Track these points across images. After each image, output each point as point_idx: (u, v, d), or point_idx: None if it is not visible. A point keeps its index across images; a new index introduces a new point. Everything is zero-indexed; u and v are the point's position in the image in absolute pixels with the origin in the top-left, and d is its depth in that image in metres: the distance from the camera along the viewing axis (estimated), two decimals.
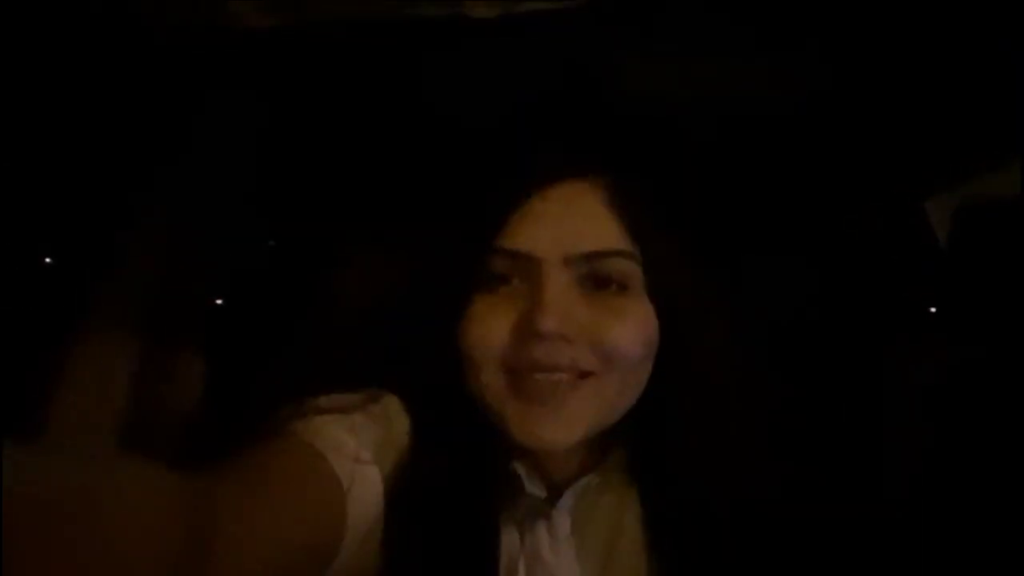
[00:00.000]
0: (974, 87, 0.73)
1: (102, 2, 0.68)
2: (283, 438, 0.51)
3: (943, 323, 0.87)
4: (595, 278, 0.56)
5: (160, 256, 0.82)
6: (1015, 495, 0.71)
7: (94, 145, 0.84)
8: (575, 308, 0.55)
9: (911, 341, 0.88)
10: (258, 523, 0.43)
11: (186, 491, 0.38)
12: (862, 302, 0.90)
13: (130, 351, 0.77)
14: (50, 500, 0.31)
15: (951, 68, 0.71)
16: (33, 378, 0.75)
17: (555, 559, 0.59)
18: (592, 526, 0.60)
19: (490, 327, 0.55)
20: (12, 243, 0.85)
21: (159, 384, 0.78)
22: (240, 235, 0.89)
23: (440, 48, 0.69)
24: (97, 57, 0.72)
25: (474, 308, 0.56)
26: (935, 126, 0.78)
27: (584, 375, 0.55)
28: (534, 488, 0.58)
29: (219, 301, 0.93)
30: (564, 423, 0.54)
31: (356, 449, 0.52)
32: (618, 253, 0.56)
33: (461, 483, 0.56)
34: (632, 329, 0.56)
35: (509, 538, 0.59)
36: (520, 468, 0.58)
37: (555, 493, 0.59)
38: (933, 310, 0.90)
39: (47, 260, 0.94)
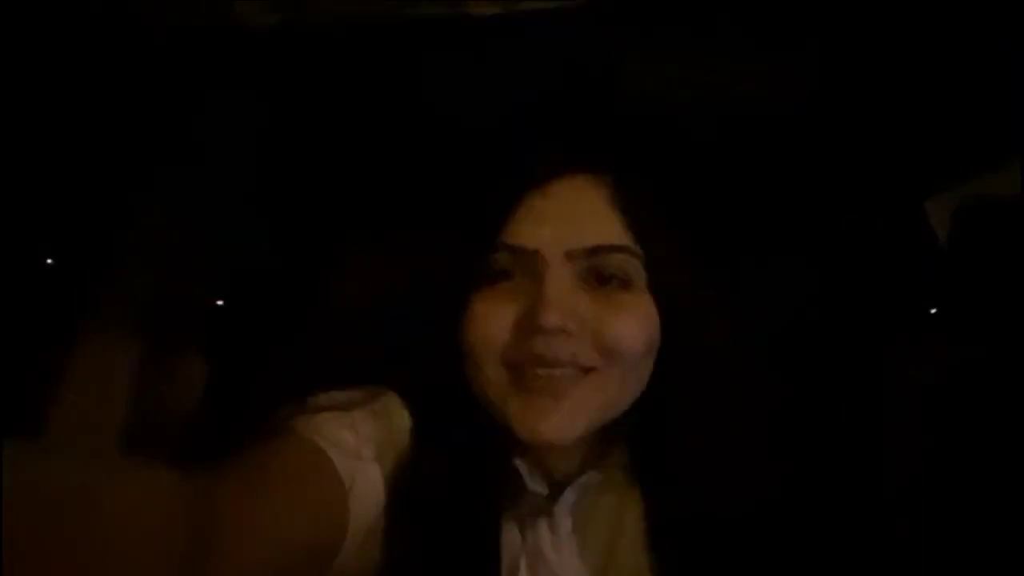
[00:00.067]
0: (974, 87, 0.73)
1: (102, 2, 0.68)
2: (284, 436, 0.51)
3: (943, 323, 0.87)
4: (597, 273, 0.56)
5: (160, 256, 0.82)
6: (1015, 495, 0.71)
7: (94, 145, 0.84)
8: (577, 303, 0.55)
9: (911, 341, 0.88)
10: (260, 522, 0.43)
11: (187, 490, 0.38)
12: (862, 302, 0.90)
13: (131, 351, 0.77)
14: (50, 500, 0.31)
15: (951, 68, 0.71)
16: (34, 378, 0.75)
17: (557, 556, 0.59)
18: (593, 523, 0.60)
19: (492, 322, 0.55)
20: (13, 244, 0.85)
21: (159, 384, 0.78)
22: (241, 235, 0.89)
23: (441, 46, 0.69)
24: (98, 57, 0.72)
25: (476, 304, 0.56)
26: (935, 126, 0.78)
27: (585, 370, 0.55)
28: (536, 485, 0.58)
29: (220, 302, 0.93)
30: (565, 418, 0.54)
31: (357, 447, 0.52)
32: (620, 248, 0.57)
33: (462, 480, 0.56)
34: (634, 324, 0.56)
35: (511, 535, 0.59)
36: (521, 465, 0.58)
37: (556, 490, 0.59)
38: (933, 310, 0.89)
39: (48, 261, 0.94)
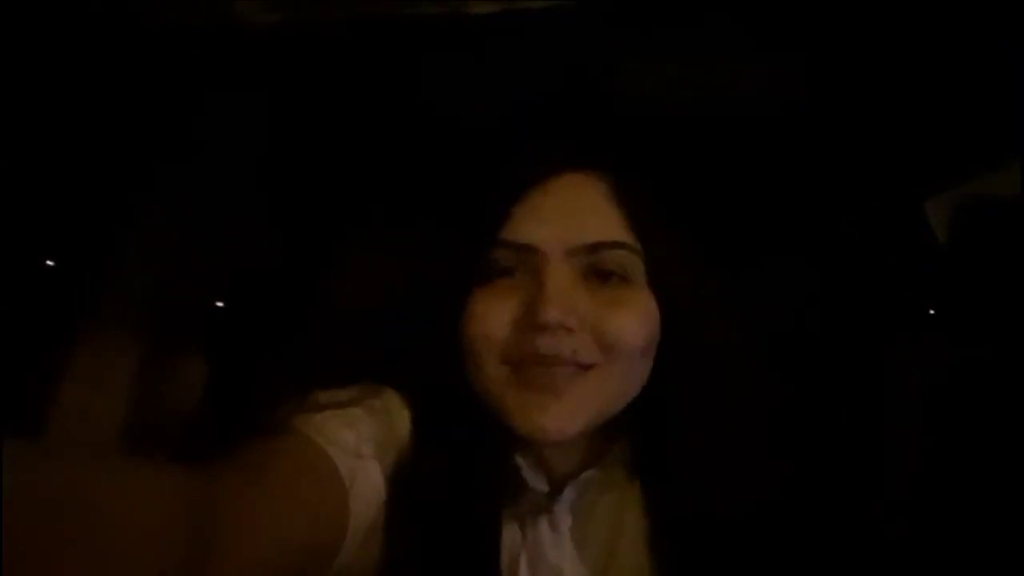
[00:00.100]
0: (973, 87, 0.73)
1: (102, 2, 0.68)
2: (284, 434, 0.51)
3: (943, 323, 0.87)
4: (597, 270, 0.56)
5: (160, 256, 0.82)
6: (1015, 495, 0.71)
7: (94, 145, 0.84)
8: (577, 299, 0.55)
9: (911, 341, 0.88)
10: (260, 521, 0.43)
11: (187, 489, 0.38)
12: (862, 302, 0.90)
13: (131, 351, 0.77)
14: (50, 499, 0.31)
15: (949, 68, 0.71)
16: (34, 378, 0.75)
17: (557, 554, 0.59)
18: (594, 521, 0.60)
19: (492, 319, 0.55)
20: (13, 243, 0.85)
21: (159, 384, 0.78)
22: (240, 234, 0.89)
23: (441, 45, 0.69)
24: (98, 57, 0.72)
25: (476, 301, 0.56)
26: (934, 126, 0.78)
27: (585, 367, 0.55)
28: (536, 482, 0.59)
29: (219, 304, 0.93)
30: (566, 413, 0.54)
31: (357, 445, 0.52)
32: (619, 245, 0.57)
33: (463, 478, 0.56)
34: (634, 320, 0.56)
35: (511, 533, 0.59)
36: (522, 462, 0.59)
37: (557, 488, 0.59)
38: (933, 310, 0.89)
39: (48, 261, 0.94)
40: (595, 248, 0.56)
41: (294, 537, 0.45)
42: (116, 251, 0.81)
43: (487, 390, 0.56)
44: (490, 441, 0.58)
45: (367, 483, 0.52)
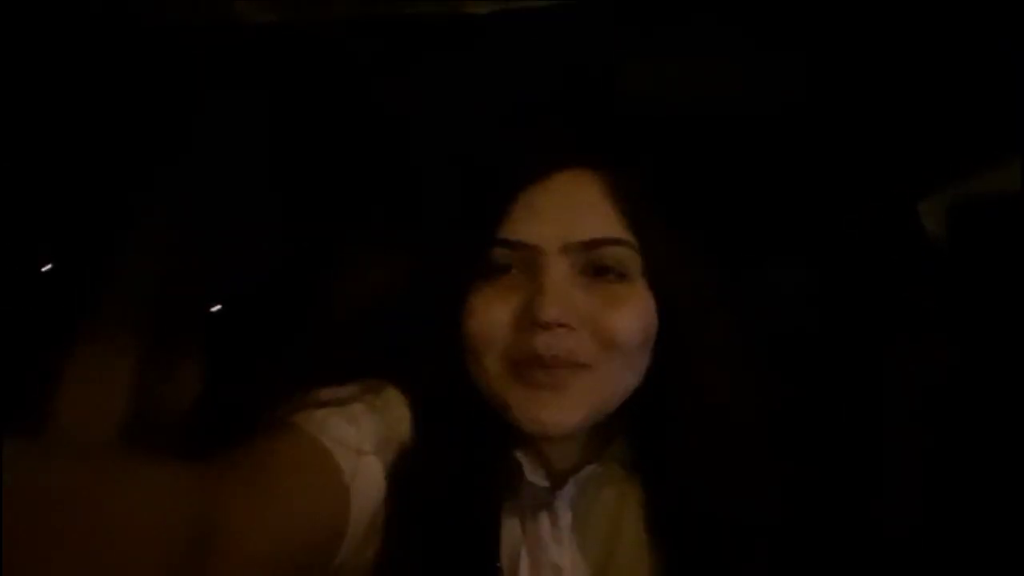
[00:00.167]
0: (973, 85, 0.73)
1: (102, 2, 0.68)
2: (285, 432, 0.51)
3: (943, 323, 0.87)
4: (594, 266, 0.57)
5: (160, 256, 0.82)
6: (1015, 495, 0.71)
7: (95, 145, 0.84)
8: (575, 296, 0.55)
9: (911, 341, 0.88)
10: (262, 518, 0.43)
11: (188, 487, 0.38)
12: (862, 301, 0.90)
13: (131, 351, 0.77)
14: (51, 498, 0.31)
15: (949, 66, 0.71)
16: (34, 378, 0.74)
17: (557, 549, 0.59)
18: (593, 516, 0.61)
19: (491, 316, 0.56)
20: (13, 243, 0.85)
21: (160, 384, 0.78)
22: (241, 234, 0.89)
23: (439, 44, 0.69)
24: (98, 57, 0.72)
25: (475, 299, 0.57)
26: (933, 124, 0.78)
27: (584, 364, 0.55)
28: (536, 477, 0.59)
29: (218, 307, 0.93)
30: (565, 408, 0.54)
31: (358, 441, 0.52)
32: (616, 241, 0.57)
33: (463, 473, 0.56)
34: (632, 316, 0.56)
35: (511, 528, 0.59)
36: (522, 458, 0.59)
37: (557, 483, 0.60)
38: (933, 310, 0.89)
39: (48, 261, 0.93)
40: (592, 245, 0.56)
41: (295, 534, 0.45)
42: (116, 251, 0.81)
43: (487, 386, 0.57)
44: (490, 437, 0.58)
45: (368, 480, 0.52)
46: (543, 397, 0.54)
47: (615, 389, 0.57)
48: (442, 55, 0.71)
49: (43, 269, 0.92)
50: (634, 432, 0.61)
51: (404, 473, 0.55)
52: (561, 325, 0.54)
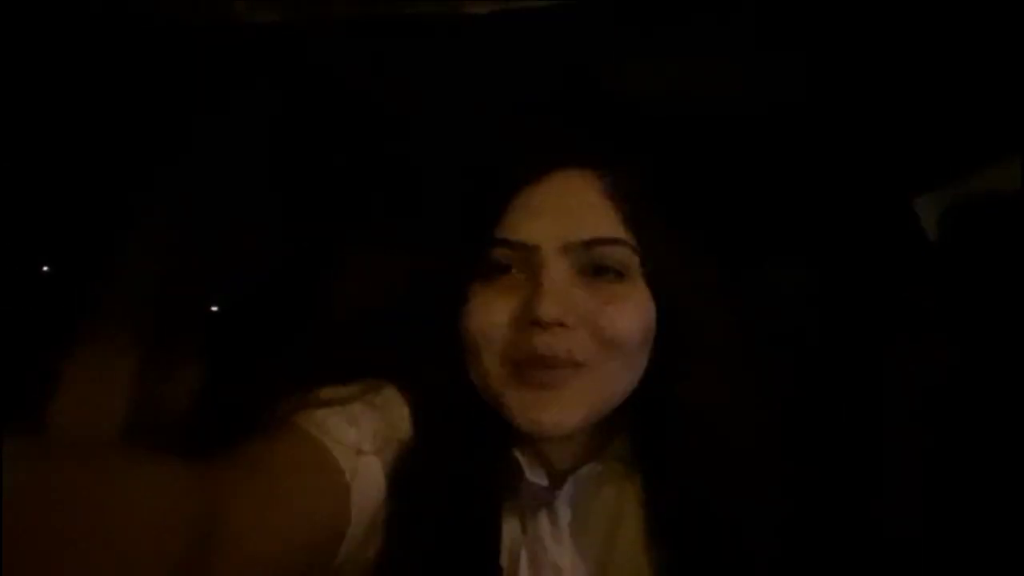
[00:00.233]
0: (972, 84, 0.73)
1: (102, 2, 0.68)
2: (285, 431, 0.51)
3: (943, 323, 0.87)
4: (593, 266, 0.57)
5: (160, 256, 0.82)
6: (1015, 495, 0.71)
7: (95, 145, 0.84)
8: (574, 295, 0.55)
9: (911, 341, 0.88)
10: (262, 518, 0.43)
11: (189, 487, 0.38)
12: (861, 301, 0.90)
13: (131, 351, 0.77)
14: (51, 498, 0.31)
15: (949, 66, 0.71)
16: (34, 378, 0.74)
17: (557, 547, 0.59)
18: (593, 514, 0.61)
19: (491, 316, 0.56)
20: (13, 243, 0.85)
21: (160, 384, 0.78)
22: (241, 234, 0.89)
23: (438, 44, 0.69)
24: (97, 56, 0.72)
25: (474, 299, 0.57)
26: (933, 123, 0.78)
27: (582, 364, 0.55)
28: (535, 476, 0.59)
29: (215, 308, 0.93)
30: (564, 408, 0.54)
31: (358, 441, 0.52)
32: (615, 241, 0.57)
33: (463, 472, 0.56)
34: (631, 315, 0.56)
35: (511, 527, 0.59)
36: (521, 456, 0.59)
37: (556, 482, 0.60)
38: (933, 310, 0.89)
39: (48, 261, 0.93)
40: (591, 244, 0.56)
41: (296, 534, 0.45)
42: (116, 251, 0.81)
43: (486, 386, 0.57)
44: (490, 436, 0.58)
45: (368, 479, 0.52)
46: (542, 397, 0.54)
47: (614, 389, 0.57)
48: (442, 55, 0.71)
49: (43, 269, 0.92)
50: (634, 431, 0.61)
51: (404, 473, 0.55)
52: (560, 324, 0.54)
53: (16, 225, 0.84)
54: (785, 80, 0.75)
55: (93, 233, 0.88)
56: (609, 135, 0.64)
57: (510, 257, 0.57)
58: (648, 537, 0.59)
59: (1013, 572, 0.68)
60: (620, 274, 0.57)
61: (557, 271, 0.55)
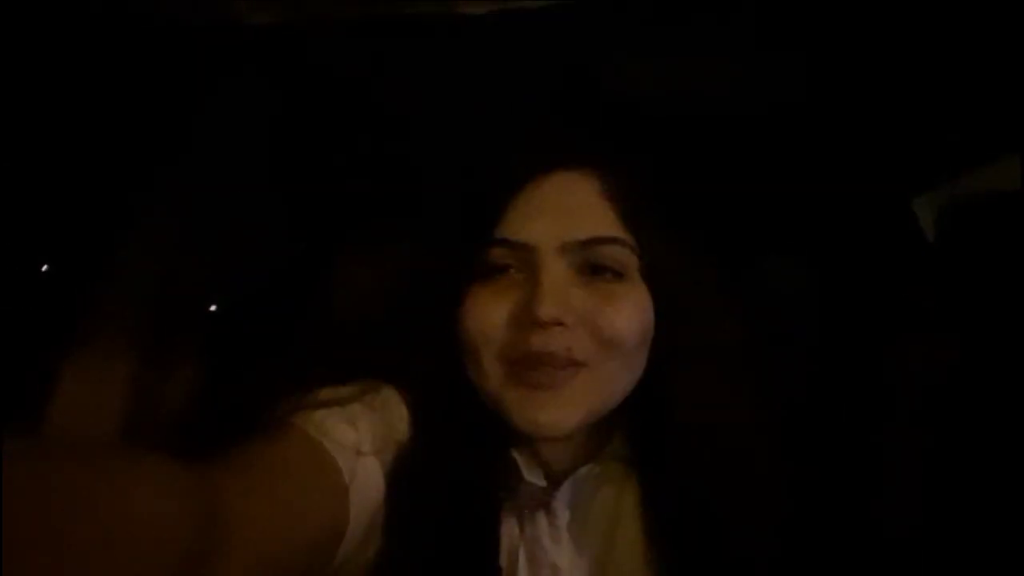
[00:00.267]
0: (972, 83, 0.73)
1: (102, 2, 0.68)
2: (284, 432, 0.51)
3: (943, 323, 0.87)
4: (591, 265, 0.57)
5: (160, 256, 0.82)
6: (1016, 495, 0.71)
7: (95, 145, 0.84)
8: (572, 295, 0.55)
9: (912, 341, 0.88)
10: (261, 519, 0.43)
11: (189, 488, 0.38)
12: (861, 301, 0.90)
13: (131, 351, 0.77)
14: (51, 498, 0.31)
15: (949, 64, 0.71)
16: (34, 379, 0.74)
17: (555, 548, 0.59)
18: (592, 515, 0.61)
19: (489, 316, 0.56)
20: (13, 242, 0.85)
21: (159, 384, 0.78)
22: (240, 234, 0.89)
23: (437, 44, 0.69)
24: (97, 56, 0.72)
25: (473, 299, 0.57)
26: (933, 122, 0.78)
27: (581, 363, 0.55)
28: (533, 477, 0.59)
29: (214, 308, 0.93)
30: (563, 408, 0.54)
31: (357, 441, 0.52)
32: (613, 240, 0.57)
33: (461, 473, 0.57)
34: (629, 314, 0.56)
35: (509, 528, 0.59)
36: (520, 457, 0.59)
37: (555, 482, 0.60)
38: (933, 310, 0.89)
39: (47, 261, 0.93)
40: (589, 244, 0.56)
41: (295, 535, 0.45)
42: (116, 251, 0.81)
43: (484, 386, 0.57)
44: (488, 437, 0.58)
45: (367, 480, 0.52)
46: (540, 397, 0.54)
47: (613, 388, 0.57)
48: (441, 55, 0.71)
49: (43, 269, 0.92)
50: (632, 431, 0.61)
51: (403, 474, 0.55)
52: (558, 323, 0.54)
53: (16, 225, 0.84)
54: (784, 80, 0.75)
55: (93, 233, 0.88)
56: (607, 135, 0.64)
57: (508, 257, 0.57)
58: (647, 537, 0.59)
59: (1013, 572, 0.68)
60: (619, 274, 0.57)
61: (555, 271, 0.55)
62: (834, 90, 0.76)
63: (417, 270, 0.64)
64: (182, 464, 0.38)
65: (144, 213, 0.82)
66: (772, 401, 0.63)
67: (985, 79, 0.72)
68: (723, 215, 0.79)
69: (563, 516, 0.60)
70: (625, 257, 0.58)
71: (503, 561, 0.58)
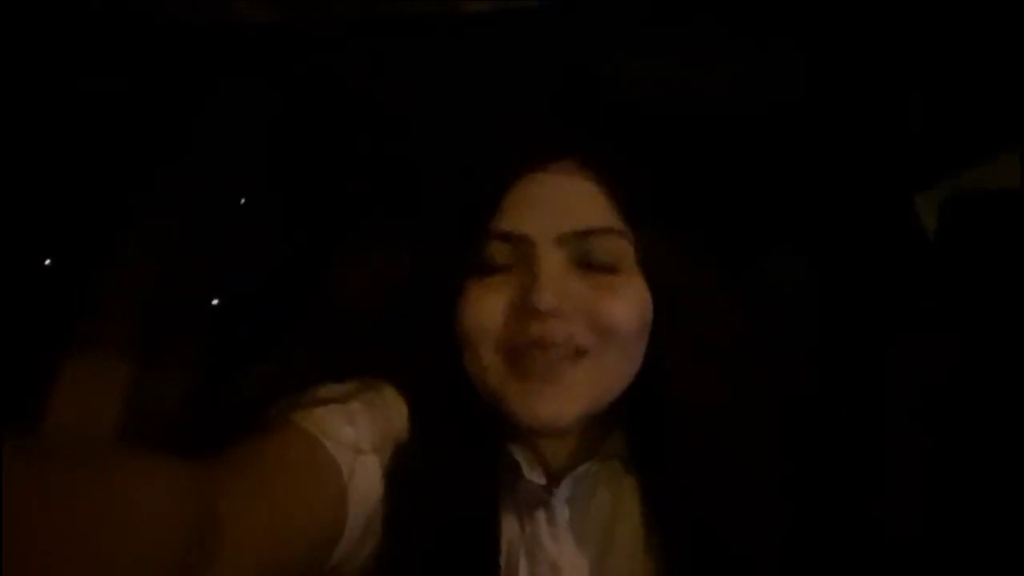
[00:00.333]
0: (973, 79, 0.73)
1: (102, 2, 0.68)
2: (283, 430, 0.51)
3: (943, 322, 0.87)
4: (588, 257, 0.57)
5: (160, 256, 0.82)
6: (1016, 495, 0.71)
7: (95, 145, 0.84)
8: (570, 285, 0.55)
9: (911, 341, 0.87)
10: (261, 517, 0.43)
11: (188, 486, 0.38)
12: (861, 300, 0.90)
13: (130, 351, 0.77)
14: (51, 498, 0.31)
15: (949, 61, 0.71)
16: (34, 379, 0.74)
17: (555, 546, 0.59)
18: (591, 513, 0.60)
19: (486, 308, 0.56)
20: (13, 243, 0.85)
21: (159, 384, 0.78)
22: (241, 233, 0.89)
23: (437, 42, 0.69)
24: (97, 56, 0.72)
25: (470, 292, 0.57)
26: (933, 119, 0.78)
27: (581, 352, 0.55)
28: (533, 475, 0.59)
29: (215, 302, 0.93)
30: (564, 399, 0.54)
31: (356, 439, 0.52)
32: (609, 231, 0.57)
33: (460, 471, 0.56)
34: (627, 304, 0.56)
35: (509, 526, 0.59)
36: (519, 455, 0.59)
37: (554, 481, 0.60)
38: (933, 309, 0.89)
39: (47, 261, 0.94)
40: (585, 234, 0.56)
41: (294, 533, 0.45)
42: (116, 251, 0.81)
43: (483, 380, 0.57)
44: (487, 434, 0.58)
45: (366, 478, 0.52)
46: (541, 390, 0.54)
47: (613, 379, 0.57)
48: (440, 54, 0.71)
49: (43, 270, 0.92)
50: (631, 428, 0.61)
51: (402, 472, 0.55)
52: (557, 313, 0.54)
53: (16, 226, 0.84)
54: (784, 77, 0.75)
55: (94, 232, 0.88)
56: (603, 126, 0.64)
57: (506, 250, 0.57)
58: (646, 535, 0.59)
59: (1013, 572, 0.68)
60: (616, 264, 0.57)
61: (553, 262, 0.55)
62: (834, 89, 0.76)
63: (415, 267, 0.64)
64: (181, 464, 0.38)
65: (144, 213, 0.82)
66: (771, 400, 0.63)
67: (985, 75, 0.72)
68: (722, 214, 0.79)
69: (562, 514, 0.60)
70: (622, 248, 0.58)
71: (502, 560, 0.58)
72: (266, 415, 0.53)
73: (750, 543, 0.57)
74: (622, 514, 0.60)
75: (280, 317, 0.83)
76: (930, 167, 0.85)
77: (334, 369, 0.58)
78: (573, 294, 0.55)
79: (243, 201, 0.87)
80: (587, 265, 0.57)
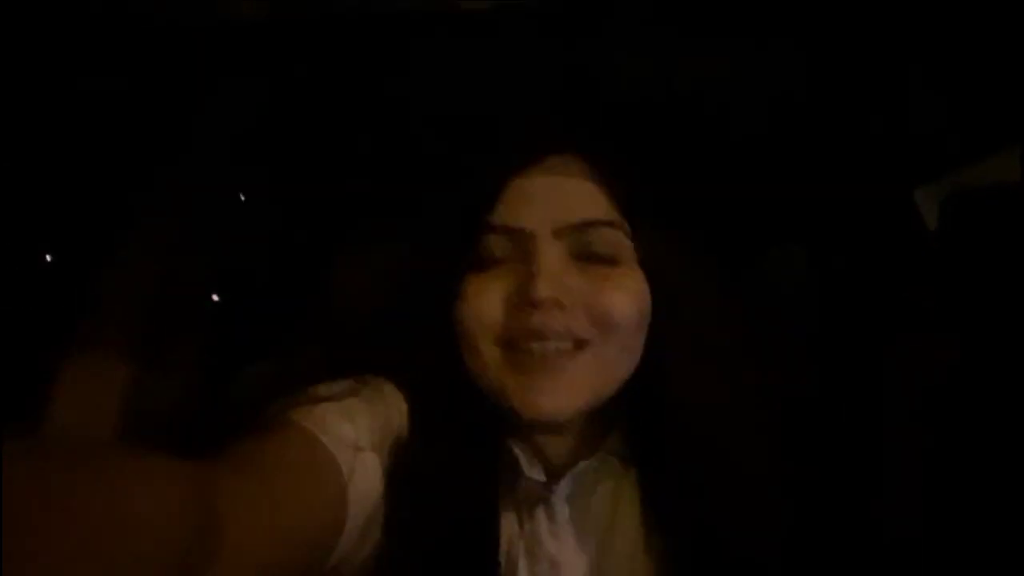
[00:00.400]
0: (973, 75, 0.73)
1: (102, 1, 0.68)
2: (282, 428, 0.51)
3: (943, 322, 0.87)
4: (586, 250, 0.57)
5: (160, 256, 0.82)
6: (1016, 495, 0.71)
7: (94, 144, 0.84)
8: (569, 277, 0.56)
9: (911, 340, 0.88)
10: (261, 515, 0.43)
11: (188, 485, 0.38)
12: (861, 299, 0.90)
13: (130, 351, 0.77)
14: (51, 497, 0.31)
15: (949, 56, 0.71)
16: (34, 379, 0.74)
17: (555, 543, 0.59)
18: (591, 510, 0.61)
19: (485, 301, 0.56)
20: (13, 242, 0.85)
21: (159, 383, 0.78)
22: (240, 232, 0.89)
23: (435, 39, 0.69)
24: (97, 56, 0.72)
25: (469, 286, 0.57)
26: (932, 115, 0.78)
27: (580, 344, 0.55)
28: (533, 472, 0.59)
29: (215, 297, 0.93)
30: (564, 392, 0.54)
31: (355, 437, 0.52)
32: (607, 223, 0.57)
33: (460, 468, 0.56)
34: (626, 296, 0.56)
35: (508, 523, 0.59)
36: (519, 452, 0.59)
37: (554, 478, 0.60)
38: (933, 309, 0.89)
39: (48, 260, 0.94)
40: (583, 227, 0.57)
41: (294, 532, 0.45)
42: (116, 251, 0.81)
43: (482, 374, 0.57)
44: (487, 432, 0.58)
45: (365, 475, 0.52)
46: (540, 383, 0.54)
47: (612, 372, 0.57)
48: (438, 50, 0.71)
49: (43, 269, 0.92)
50: (630, 425, 0.61)
51: (401, 469, 0.55)
52: (556, 305, 0.54)
53: (16, 225, 0.84)
54: (784, 77, 0.75)
55: (94, 232, 0.88)
56: (601, 120, 0.64)
57: (504, 244, 0.57)
58: (645, 532, 0.59)
59: (1013, 572, 0.68)
60: (614, 257, 0.57)
61: (551, 254, 0.55)
62: (834, 88, 0.76)
63: (415, 264, 0.64)
64: (181, 463, 0.38)
65: (144, 213, 0.82)
66: (771, 399, 0.63)
67: (985, 70, 0.72)
68: (722, 213, 0.79)
69: (562, 511, 0.60)
70: (619, 241, 0.58)
71: (502, 556, 0.58)
72: (266, 413, 0.53)
73: (749, 542, 0.58)
74: (622, 512, 0.60)
75: (280, 316, 0.83)
76: (930, 163, 0.85)
77: (334, 368, 0.58)
78: (572, 286, 0.55)
79: (243, 200, 0.87)
80: (586, 257, 0.57)
